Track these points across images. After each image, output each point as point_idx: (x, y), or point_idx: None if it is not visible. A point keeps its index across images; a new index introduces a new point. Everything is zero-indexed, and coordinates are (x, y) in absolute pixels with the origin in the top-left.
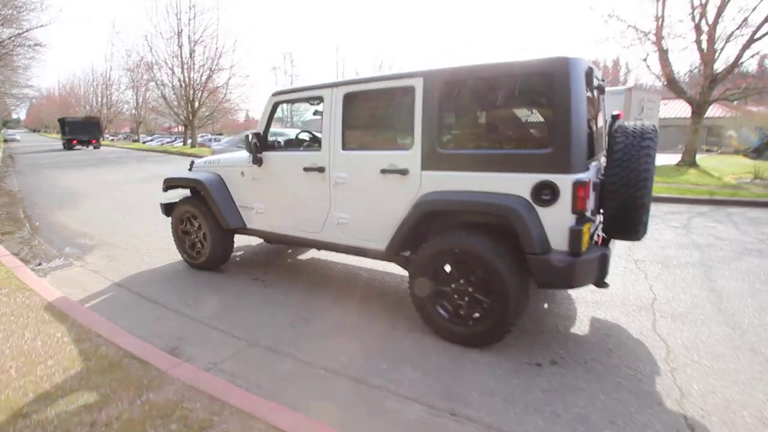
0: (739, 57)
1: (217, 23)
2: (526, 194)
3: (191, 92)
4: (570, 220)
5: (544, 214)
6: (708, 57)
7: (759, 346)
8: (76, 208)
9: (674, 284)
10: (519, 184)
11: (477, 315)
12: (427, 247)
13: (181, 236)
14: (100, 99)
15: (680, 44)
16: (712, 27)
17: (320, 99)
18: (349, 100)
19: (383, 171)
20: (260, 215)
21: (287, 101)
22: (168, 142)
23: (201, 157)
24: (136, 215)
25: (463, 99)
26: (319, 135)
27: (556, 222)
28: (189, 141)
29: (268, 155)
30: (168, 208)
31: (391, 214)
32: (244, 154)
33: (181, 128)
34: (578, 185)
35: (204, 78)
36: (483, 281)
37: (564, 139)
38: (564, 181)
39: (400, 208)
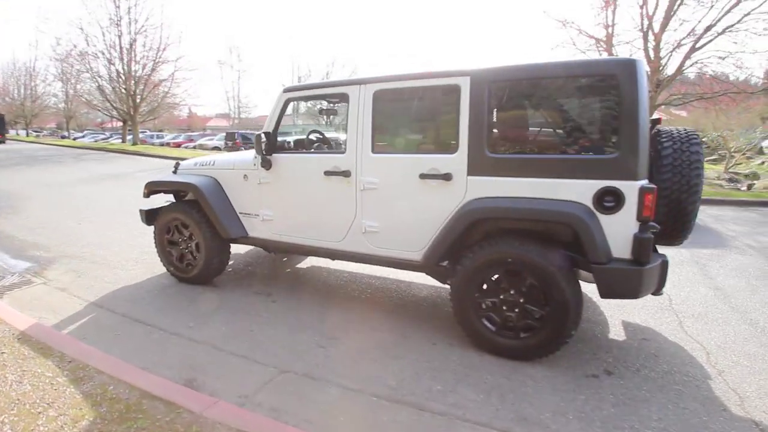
0: (681, 65)
1: (161, 12)
2: (587, 201)
3: (132, 85)
4: (634, 227)
5: (606, 221)
6: (654, 64)
7: None
8: (18, 214)
9: (680, 284)
10: (579, 190)
11: (530, 327)
12: (474, 257)
13: (166, 247)
14: (22, 91)
15: (630, 51)
16: (658, 35)
17: (343, 97)
18: (380, 98)
19: (422, 176)
20: (267, 223)
21: (301, 99)
22: (103, 139)
23: (148, 156)
24: (91, 221)
25: (515, 100)
26: (329, 136)
27: (618, 230)
28: (130, 137)
29: (279, 158)
30: (150, 216)
31: (429, 222)
32: (245, 156)
33: (116, 123)
34: (646, 192)
35: (146, 70)
36: (537, 291)
37: (631, 144)
38: (630, 188)
39: (440, 216)
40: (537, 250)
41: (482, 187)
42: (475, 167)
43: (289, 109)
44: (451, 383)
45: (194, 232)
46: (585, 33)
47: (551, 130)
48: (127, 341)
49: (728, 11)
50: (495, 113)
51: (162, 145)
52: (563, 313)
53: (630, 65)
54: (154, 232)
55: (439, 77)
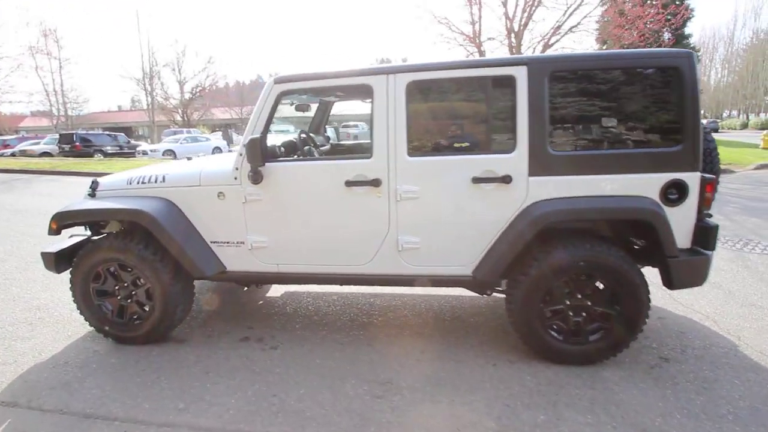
0: None
1: None
2: (655, 195)
3: None
4: (694, 217)
5: (671, 213)
6: None
7: None
8: None
9: None
10: (647, 185)
11: (597, 329)
12: (541, 265)
13: (95, 300)
14: None
15: (495, 48)
16: (520, 33)
17: (364, 90)
18: (415, 91)
19: (476, 180)
20: (258, 252)
21: (299, 92)
22: None
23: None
24: None
25: (576, 92)
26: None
27: (681, 221)
28: None
29: (274, 168)
30: (62, 260)
31: (483, 231)
32: (217, 168)
33: None
34: (707, 182)
35: None
36: (606, 292)
37: (693, 135)
38: (693, 179)
39: (496, 224)
40: (609, 250)
41: (545, 188)
42: (537, 167)
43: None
44: (549, 408)
45: (144, 274)
46: (456, 29)
47: (617, 122)
48: None
49: (570, 14)
50: (556, 106)
51: None
52: (638, 310)
53: (691, 57)
54: (72, 281)
55: (490, 67)
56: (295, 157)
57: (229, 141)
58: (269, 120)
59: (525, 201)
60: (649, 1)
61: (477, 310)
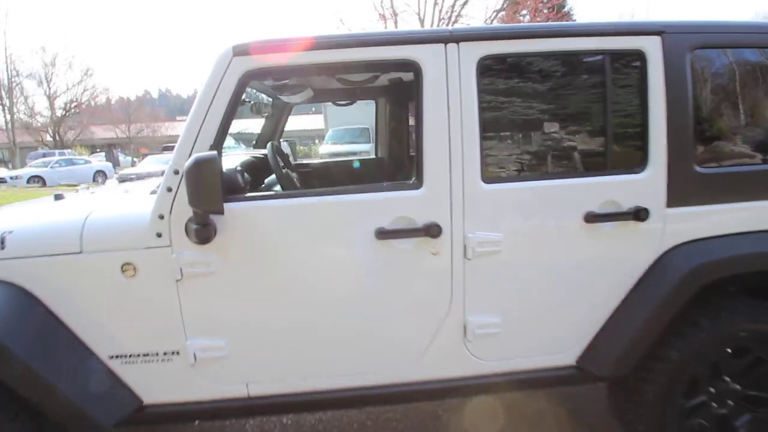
0: None
1: None
2: None
3: None
4: None
5: None
6: None
7: None
8: None
9: None
10: None
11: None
12: (686, 342)
13: None
14: None
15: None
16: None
17: (406, 67)
18: (493, 71)
19: (591, 218)
20: (210, 365)
21: (276, 74)
22: None
23: None
24: None
25: (736, 79)
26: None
27: None
28: None
29: (239, 212)
30: None
31: (599, 295)
32: (117, 215)
33: None
34: None
35: None
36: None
37: None
38: None
39: (619, 284)
40: None
41: (692, 223)
42: (678, 192)
43: None
44: None
45: None
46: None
47: None
48: None
49: None
50: (709, 99)
51: None
52: None
53: None
54: None
55: (605, 36)
56: (273, 191)
57: (115, 163)
58: (227, 122)
59: (660, 245)
60: None
61: (529, 393)
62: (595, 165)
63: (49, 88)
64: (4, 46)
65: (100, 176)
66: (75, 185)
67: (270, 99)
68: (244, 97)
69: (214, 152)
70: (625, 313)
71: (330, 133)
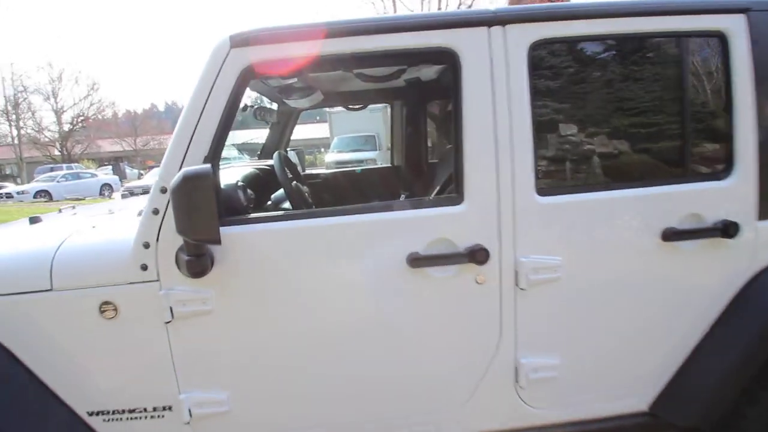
0: None
1: None
2: None
3: None
4: None
5: None
6: None
7: None
8: None
9: None
10: None
11: None
12: None
13: None
14: None
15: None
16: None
17: (441, 59)
18: (547, 60)
19: (669, 235)
20: (209, 423)
21: (278, 68)
22: None
23: None
24: None
25: None
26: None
27: None
28: None
29: (240, 238)
30: None
31: (679, 327)
32: (96, 243)
33: None
34: None
35: None
36: None
37: None
38: None
39: (702, 316)
40: None
41: None
42: None
43: None
44: None
45: None
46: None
47: None
48: None
49: None
50: None
51: None
52: None
53: None
54: None
55: (681, 14)
56: (282, 210)
57: (122, 176)
58: (224, 129)
59: (751, 266)
60: None
61: None
62: (671, 171)
63: (56, 103)
64: (10, 62)
65: (106, 189)
66: (81, 199)
67: (275, 104)
68: (247, 102)
69: (208, 166)
70: (713, 348)
71: (335, 141)
